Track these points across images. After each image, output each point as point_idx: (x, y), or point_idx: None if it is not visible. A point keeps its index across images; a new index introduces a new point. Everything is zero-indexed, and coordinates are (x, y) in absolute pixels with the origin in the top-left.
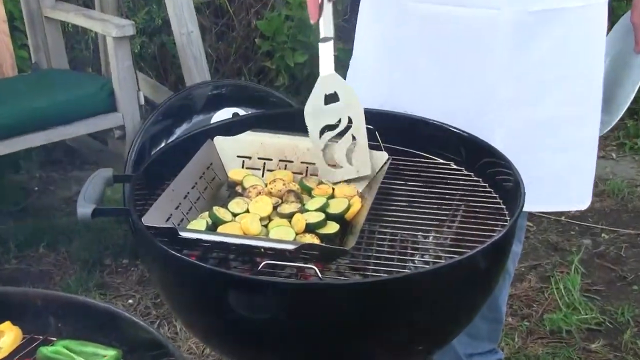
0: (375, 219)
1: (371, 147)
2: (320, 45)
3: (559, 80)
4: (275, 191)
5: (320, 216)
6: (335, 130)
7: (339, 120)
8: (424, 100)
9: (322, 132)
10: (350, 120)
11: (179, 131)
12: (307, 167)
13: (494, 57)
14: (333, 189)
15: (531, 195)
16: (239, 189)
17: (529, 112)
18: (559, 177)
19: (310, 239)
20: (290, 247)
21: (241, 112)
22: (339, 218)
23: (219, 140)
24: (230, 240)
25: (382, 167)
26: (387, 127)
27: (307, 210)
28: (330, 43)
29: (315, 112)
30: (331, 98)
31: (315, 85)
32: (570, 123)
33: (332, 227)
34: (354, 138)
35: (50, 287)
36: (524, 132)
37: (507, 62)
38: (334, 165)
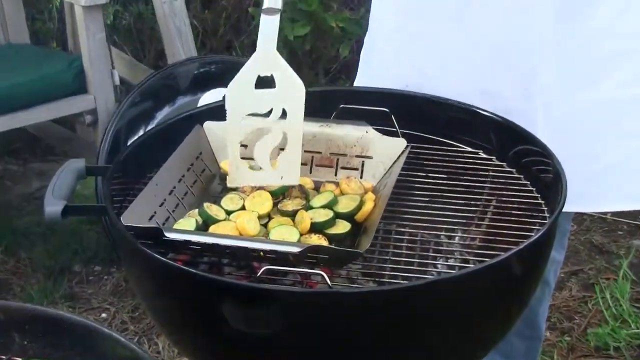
0: (392, 217)
1: (387, 132)
2: (263, 17)
3: (620, 56)
4: None
5: (328, 214)
6: (262, 121)
7: (270, 112)
8: (453, 80)
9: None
10: (285, 114)
11: (160, 116)
12: (312, 157)
13: (535, 28)
14: (340, 184)
15: (588, 192)
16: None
17: (583, 94)
18: (624, 170)
19: (317, 240)
20: (295, 249)
21: None
22: (348, 218)
23: (209, 126)
24: (224, 242)
25: (400, 156)
26: (404, 110)
27: (313, 208)
28: (276, 17)
29: (240, 94)
30: (266, 84)
31: (247, 62)
32: (637, 106)
33: (343, 227)
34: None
35: (8, 298)
36: (577, 118)
37: (552, 35)
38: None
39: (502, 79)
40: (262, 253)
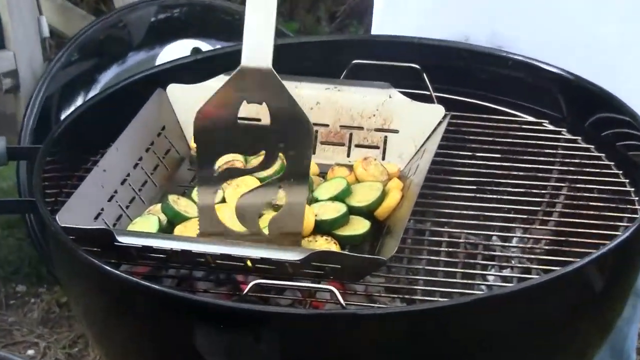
0: (426, 213)
1: (418, 97)
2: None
3: None
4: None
5: (340, 209)
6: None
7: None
8: (547, 31)
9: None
10: (286, 152)
11: (105, 78)
12: (317, 132)
13: None
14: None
15: None
16: None
17: None
18: None
19: (325, 244)
20: (294, 257)
21: (205, 46)
22: (366, 214)
23: (174, 91)
24: (198, 248)
25: (436, 129)
26: (441, 66)
27: (319, 200)
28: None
29: (213, 130)
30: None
31: (226, 82)
32: None
33: (359, 226)
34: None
35: None
36: None
37: None
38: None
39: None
40: (249, 263)
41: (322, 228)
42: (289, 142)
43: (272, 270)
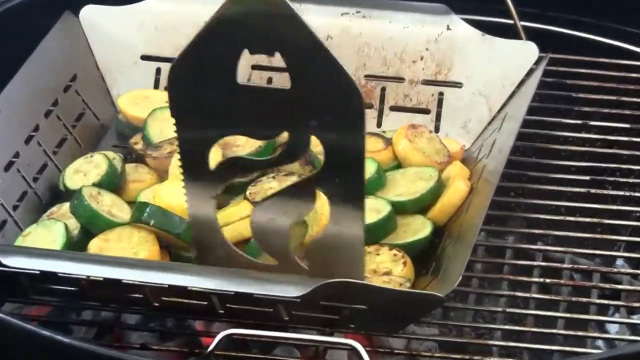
0: (508, 219)
1: (493, 29)
2: None
3: None
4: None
5: (379, 208)
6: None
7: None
8: None
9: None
10: (323, 134)
11: None
12: None
13: None
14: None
15: None
16: (138, 145)
17: None
18: None
19: (391, 261)
20: (291, 291)
21: None
22: (411, 214)
23: (92, 16)
24: (132, 276)
25: (524, 81)
26: None
27: None
28: None
29: (200, 99)
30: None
31: (213, 15)
32: None
33: (418, 227)
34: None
35: None
36: None
37: None
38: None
39: None
40: (217, 300)
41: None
42: (325, 118)
43: (255, 313)
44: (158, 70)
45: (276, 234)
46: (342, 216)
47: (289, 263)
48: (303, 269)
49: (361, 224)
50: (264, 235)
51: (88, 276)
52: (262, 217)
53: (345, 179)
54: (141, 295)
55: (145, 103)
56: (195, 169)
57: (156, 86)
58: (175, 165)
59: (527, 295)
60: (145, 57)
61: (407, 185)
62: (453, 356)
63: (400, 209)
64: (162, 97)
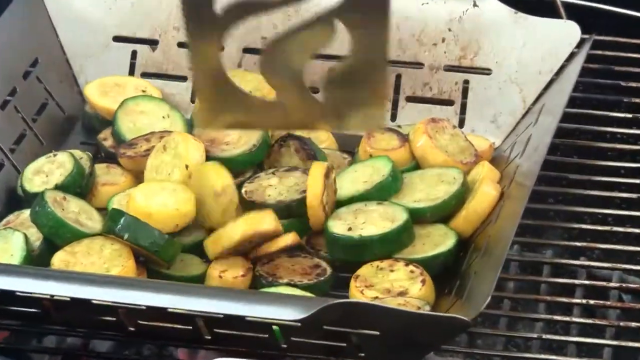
0: (545, 230)
1: (528, 6)
2: None
3: None
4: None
5: (395, 216)
6: None
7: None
8: None
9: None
10: None
11: None
12: (334, 70)
13: None
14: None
15: None
16: (107, 142)
17: None
18: None
19: (407, 278)
20: (290, 313)
21: None
22: (433, 219)
23: None
24: (104, 295)
25: (565, 67)
26: None
27: (346, 201)
28: None
29: None
30: None
31: None
32: None
33: (439, 240)
34: None
35: None
36: None
37: None
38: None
39: None
40: (203, 324)
41: (369, 250)
42: None
43: (247, 339)
44: (134, 54)
45: (288, 68)
46: (364, 41)
47: (303, 98)
48: (317, 103)
49: (385, 45)
50: (275, 72)
51: (52, 295)
52: (276, 53)
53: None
54: (114, 318)
55: (116, 92)
56: (199, 12)
57: (131, 73)
58: (151, 167)
59: (568, 319)
60: (118, 39)
61: (426, 190)
62: None
63: (418, 217)
64: (136, 84)
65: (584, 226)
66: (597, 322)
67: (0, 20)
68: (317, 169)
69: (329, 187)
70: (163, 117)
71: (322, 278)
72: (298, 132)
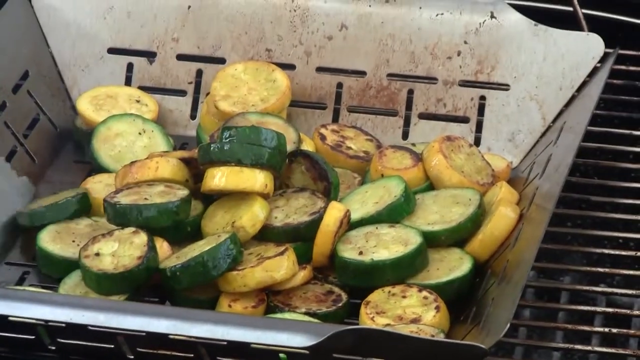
0: (566, 255)
1: (548, 17)
2: None
3: None
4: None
5: (408, 239)
6: None
7: None
8: None
9: None
10: None
11: None
12: (341, 84)
13: None
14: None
15: None
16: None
17: None
18: None
19: (420, 305)
20: (299, 340)
21: None
22: (448, 243)
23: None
24: (99, 320)
25: (586, 82)
26: None
27: (356, 224)
28: None
29: None
30: None
31: None
32: None
33: (448, 267)
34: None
35: None
36: None
37: None
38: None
39: None
40: (205, 352)
41: (380, 275)
42: None
43: None
44: (130, 67)
45: None
46: None
47: None
48: None
49: None
50: None
51: (46, 321)
52: None
53: None
54: (112, 345)
55: (110, 105)
56: None
57: (127, 81)
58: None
59: (588, 348)
60: (113, 50)
61: (441, 211)
62: None
63: (432, 240)
64: (129, 94)
65: (605, 251)
66: (619, 351)
67: None
68: (335, 211)
69: (342, 229)
70: (139, 134)
71: (340, 304)
72: (307, 148)
